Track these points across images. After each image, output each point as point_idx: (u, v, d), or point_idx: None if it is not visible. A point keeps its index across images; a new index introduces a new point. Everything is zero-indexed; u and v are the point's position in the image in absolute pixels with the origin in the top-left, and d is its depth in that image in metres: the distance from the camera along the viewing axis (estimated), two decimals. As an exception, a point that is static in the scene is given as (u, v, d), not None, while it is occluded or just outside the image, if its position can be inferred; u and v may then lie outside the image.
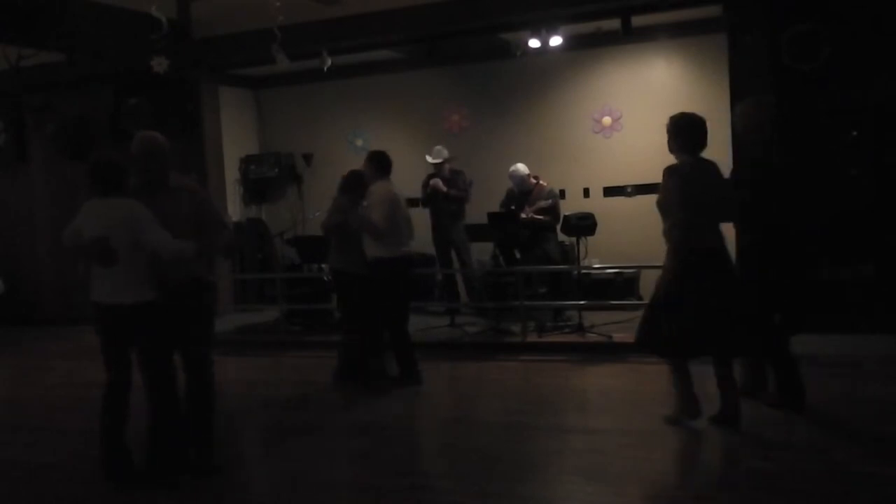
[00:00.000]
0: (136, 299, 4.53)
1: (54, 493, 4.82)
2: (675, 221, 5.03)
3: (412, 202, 10.69)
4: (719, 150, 8.93)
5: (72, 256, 4.86)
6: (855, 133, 7.55)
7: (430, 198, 9.78)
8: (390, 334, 6.91)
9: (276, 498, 4.61)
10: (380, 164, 6.91)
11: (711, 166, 5.20)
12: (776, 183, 5.39)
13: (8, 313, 11.34)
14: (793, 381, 5.41)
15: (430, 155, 9.78)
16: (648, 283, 9.14)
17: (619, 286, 9.48)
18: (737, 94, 8.34)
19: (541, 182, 9.15)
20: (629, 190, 10.06)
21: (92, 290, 4.61)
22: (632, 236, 9.62)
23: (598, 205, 9.76)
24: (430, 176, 9.85)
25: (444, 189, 9.63)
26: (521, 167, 9.15)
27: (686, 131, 5.13)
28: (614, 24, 8.93)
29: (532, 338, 8.13)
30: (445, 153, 9.78)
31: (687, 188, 5.00)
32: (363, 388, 6.75)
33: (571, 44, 9.77)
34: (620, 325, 7.87)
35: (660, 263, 8.17)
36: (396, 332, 6.89)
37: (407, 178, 10.76)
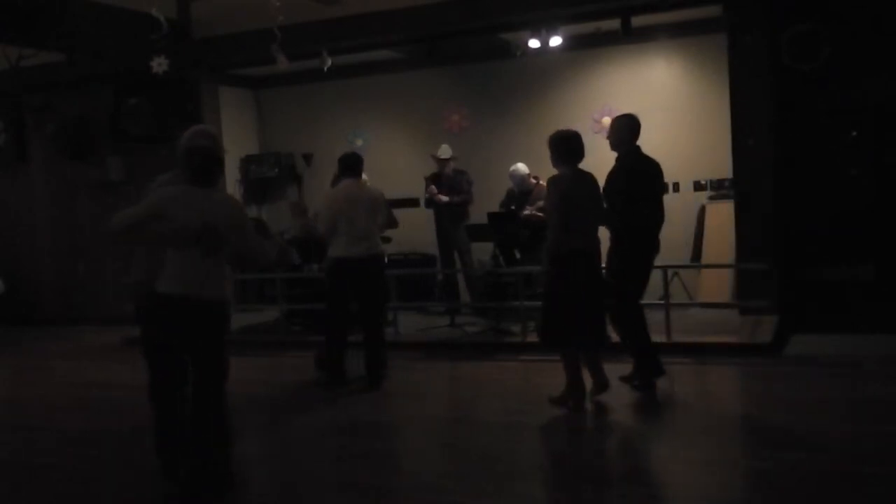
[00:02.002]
0: (219, 296, 4.34)
1: (54, 492, 4.82)
2: (555, 226, 5.56)
3: (412, 202, 10.73)
4: (719, 148, 9.01)
5: (129, 239, 4.42)
6: (855, 133, 7.55)
7: (430, 202, 9.79)
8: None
9: (277, 498, 4.61)
10: (343, 164, 7.01)
11: (588, 176, 5.75)
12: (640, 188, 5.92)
13: (8, 313, 11.34)
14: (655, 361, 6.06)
15: (438, 151, 9.78)
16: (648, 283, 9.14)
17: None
18: (737, 94, 8.37)
19: (541, 182, 9.13)
20: (629, 190, 10.06)
21: (163, 281, 4.28)
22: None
23: (597, 205, 9.76)
24: (433, 176, 9.81)
25: (443, 200, 9.59)
26: (521, 167, 9.15)
27: (562, 146, 5.69)
28: (614, 24, 8.93)
29: (532, 338, 8.11)
30: (450, 152, 9.78)
31: (567, 196, 5.54)
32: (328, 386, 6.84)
33: (571, 44, 9.77)
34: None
35: (660, 264, 8.22)
36: (330, 333, 6.93)
37: (407, 178, 10.79)
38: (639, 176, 5.94)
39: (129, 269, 4.87)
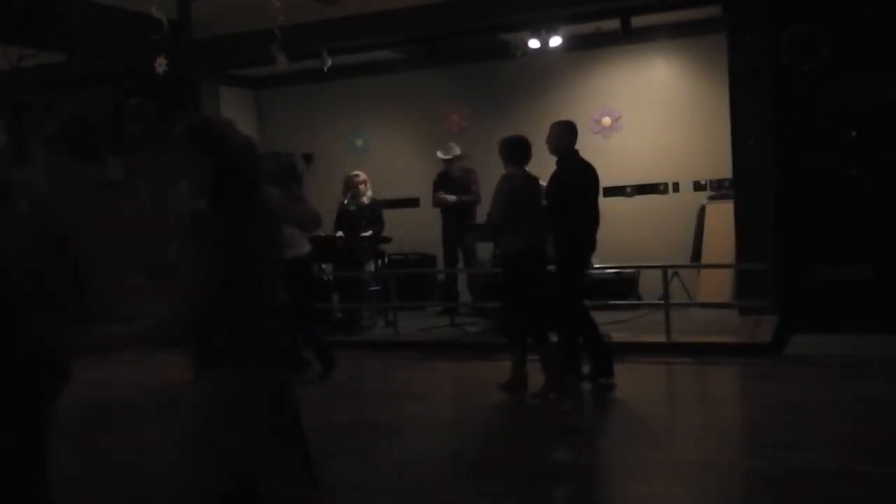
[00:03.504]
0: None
1: (54, 493, 4.81)
2: (497, 223, 5.94)
3: (412, 202, 10.72)
4: (719, 148, 9.01)
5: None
6: (855, 133, 7.56)
7: (439, 204, 9.72)
8: None
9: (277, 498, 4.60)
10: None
11: (534, 179, 6.16)
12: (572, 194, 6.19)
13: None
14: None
15: (441, 151, 9.71)
16: (648, 283, 9.15)
17: (619, 286, 9.47)
18: (737, 94, 8.37)
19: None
20: (628, 190, 10.06)
21: None
22: (631, 236, 9.63)
23: (597, 205, 9.75)
24: (439, 177, 9.74)
25: (450, 200, 9.54)
26: (521, 167, 9.13)
27: (513, 148, 6.09)
28: (614, 24, 8.93)
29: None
30: (457, 150, 9.68)
31: (513, 195, 5.91)
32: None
33: (571, 44, 9.77)
34: (620, 324, 7.87)
35: (659, 263, 8.22)
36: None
37: (407, 178, 10.80)
38: (576, 181, 6.23)
39: None
